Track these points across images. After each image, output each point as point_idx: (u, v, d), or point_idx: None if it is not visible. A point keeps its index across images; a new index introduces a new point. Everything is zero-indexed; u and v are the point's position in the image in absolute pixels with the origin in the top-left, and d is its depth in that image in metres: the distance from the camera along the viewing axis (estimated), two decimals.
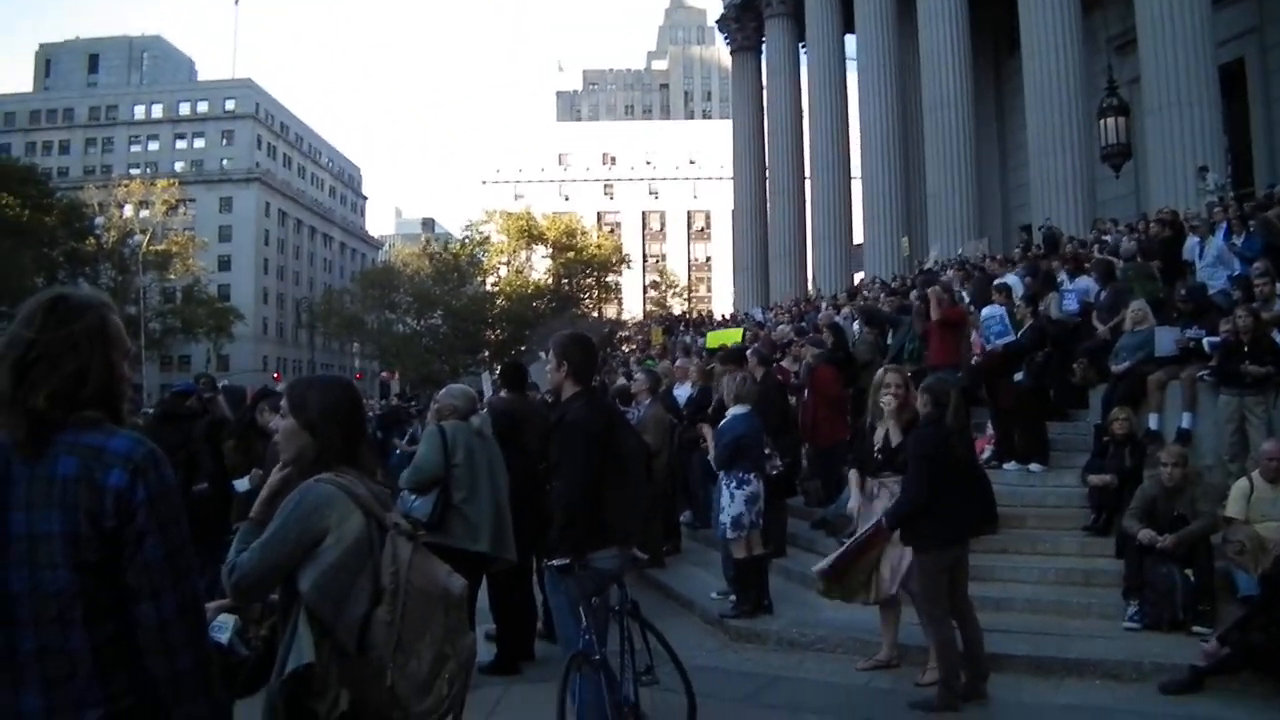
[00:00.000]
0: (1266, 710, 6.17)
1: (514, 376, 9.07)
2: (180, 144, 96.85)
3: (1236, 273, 11.91)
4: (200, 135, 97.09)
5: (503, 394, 9.14)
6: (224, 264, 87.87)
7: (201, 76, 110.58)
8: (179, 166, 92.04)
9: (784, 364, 13.46)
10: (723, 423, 8.83)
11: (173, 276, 67.64)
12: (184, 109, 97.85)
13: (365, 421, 3.31)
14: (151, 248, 65.13)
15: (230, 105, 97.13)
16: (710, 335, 19.65)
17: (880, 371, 7.62)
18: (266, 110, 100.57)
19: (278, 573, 2.84)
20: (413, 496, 6.73)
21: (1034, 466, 10.75)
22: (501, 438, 7.43)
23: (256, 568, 2.84)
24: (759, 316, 26.60)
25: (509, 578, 7.44)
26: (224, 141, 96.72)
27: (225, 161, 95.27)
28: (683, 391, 12.77)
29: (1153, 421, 10.35)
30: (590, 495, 5.08)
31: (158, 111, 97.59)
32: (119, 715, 2.18)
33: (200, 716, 2.25)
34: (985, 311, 11.74)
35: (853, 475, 7.52)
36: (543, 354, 33.57)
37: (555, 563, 5.13)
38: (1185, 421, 10.16)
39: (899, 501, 6.57)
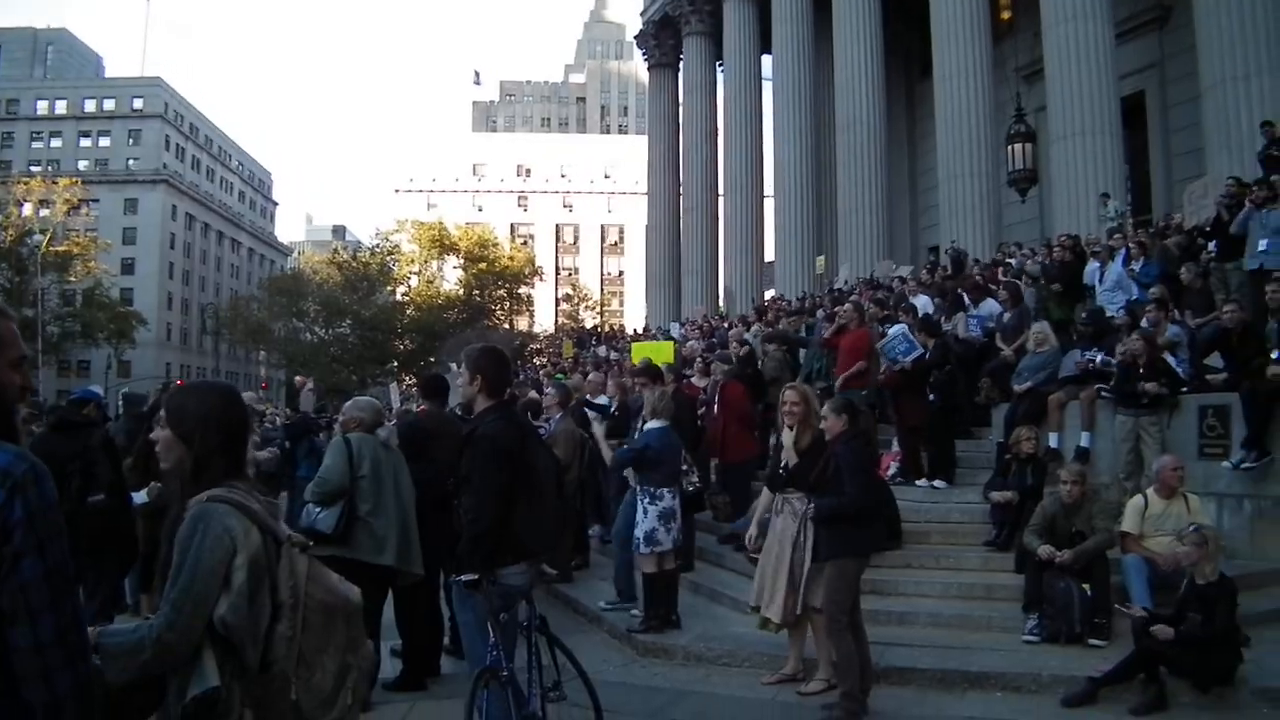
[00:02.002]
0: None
1: (433, 388, 8.99)
2: (84, 142, 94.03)
3: (1135, 297, 12.29)
4: (106, 134, 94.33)
5: (422, 406, 9.04)
6: (127, 267, 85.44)
7: (109, 73, 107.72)
8: (82, 165, 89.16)
9: (693, 380, 13.50)
10: (638, 435, 8.86)
11: (73, 279, 65.40)
12: (89, 106, 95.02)
13: (247, 429, 3.09)
14: (51, 248, 63.00)
15: (138, 104, 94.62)
16: (636, 347, 19.55)
17: (784, 389, 7.71)
18: (176, 110, 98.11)
19: (203, 613, 2.61)
20: (317, 509, 6.60)
21: (939, 483, 10.96)
22: (411, 451, 7.34)
23: (180, 620, 2.59)
24: (673, 331, 26.70)
25: (415, 592, 7.33)
26: (130, 141, 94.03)
27: (131, 162, 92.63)
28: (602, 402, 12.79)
29: (1053, 440, 10.63)
30: (500, 510, 5.02)
31: (61, 107, 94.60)
32: None
33: None
34: (890, 331, 11.94)
35: (764, 492, 7.56)
36: (453, 365, 33.29)
37: (463, 578, 5.06)
38: (1084, 440, 10.47)
39: (836, 500, 6.47)
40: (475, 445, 5.13)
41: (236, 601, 2.62)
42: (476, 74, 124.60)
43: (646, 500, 8.42)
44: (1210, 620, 6.52)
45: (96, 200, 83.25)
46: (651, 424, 8.68)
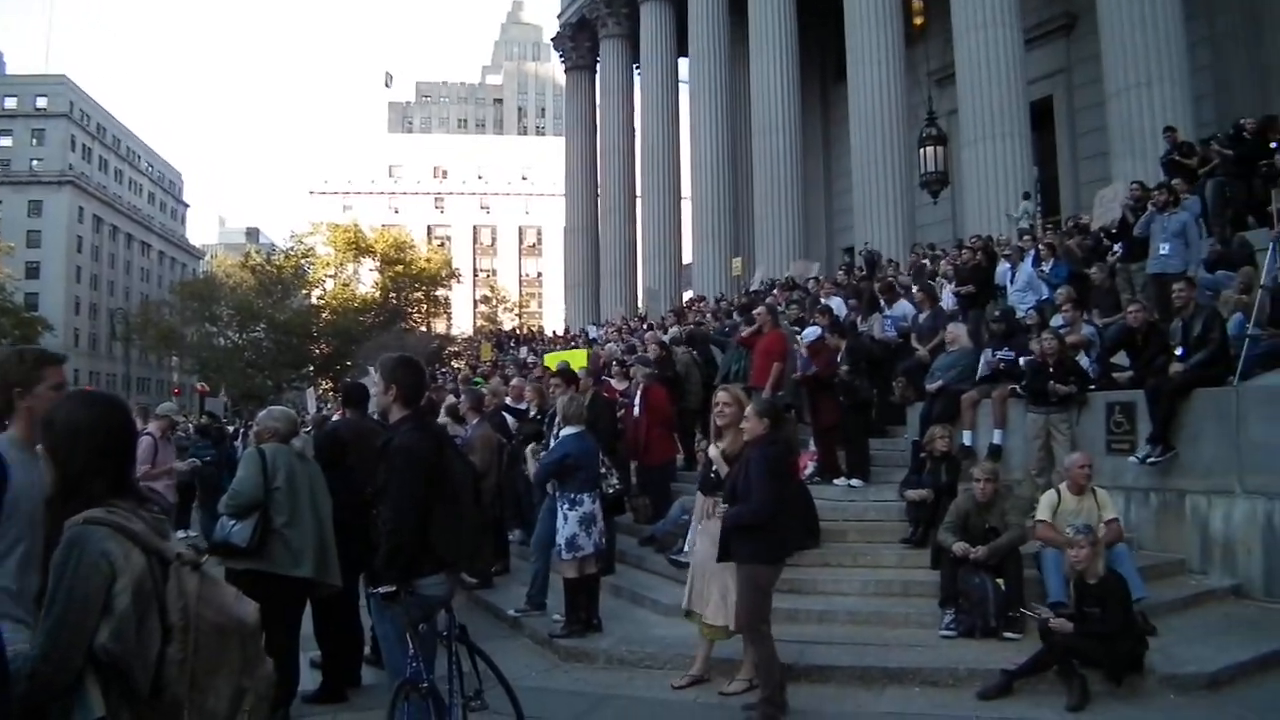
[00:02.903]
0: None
1: (354, 396, 8.91)
2: None
3: (1045, 297, 12.58)
4: (7, 133, 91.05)
5: (341, 414, 8.94)
6: (32, 271, 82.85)
7: (10, 70, 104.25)
8: None
9: (613, 382, 13.51)
10: (555, 443, 8.82)
11: None
12: None
13: (132, 443, 2.95)
14: None
15: (42, 103, 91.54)
16: (548, 357, 19.48)
17: (716, 390, 7.75)
18: (82, 110, 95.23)
19: (81, 643, 2.50)
20: (231, 521, 6.46)
21: (855, 482, 11.10)
22: (327, 460, 7.23)
23: (55, 651, 2.48)
24: (592, 333, 26.69)
25: (334, 603, 7.22)
26: (34, 141, 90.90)
27: (35, 162, 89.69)
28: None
29: (966, 438, 10.83)
30: (417, 520, 4.97)
31: None
32: None
33: None
34: (805, 332, 12.07)
35: (699, 497, 7.56)
36: (370, 369, 32.89)
37: (380, 590, 5.00)
38: (996, 438, 10.69)
39: (742, 509, 6.44)
40: (391, 456, 5.08)
41: (120, 627, 2.51)
42: (388, 75, 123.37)
43: (566, 506, 8.39)
44: (1106, 615, 6.72)
45: None
46: (566, 430, 8.66)
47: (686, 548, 7.69)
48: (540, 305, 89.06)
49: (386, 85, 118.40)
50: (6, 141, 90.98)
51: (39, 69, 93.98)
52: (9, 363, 3.50)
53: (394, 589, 4.99)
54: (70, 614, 2.49)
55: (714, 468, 7.21)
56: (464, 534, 5.33)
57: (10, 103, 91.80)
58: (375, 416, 8.54)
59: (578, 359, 16.50)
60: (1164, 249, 11.80)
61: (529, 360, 23.89)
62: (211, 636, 2.65)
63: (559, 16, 39.26)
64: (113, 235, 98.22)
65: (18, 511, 3.14)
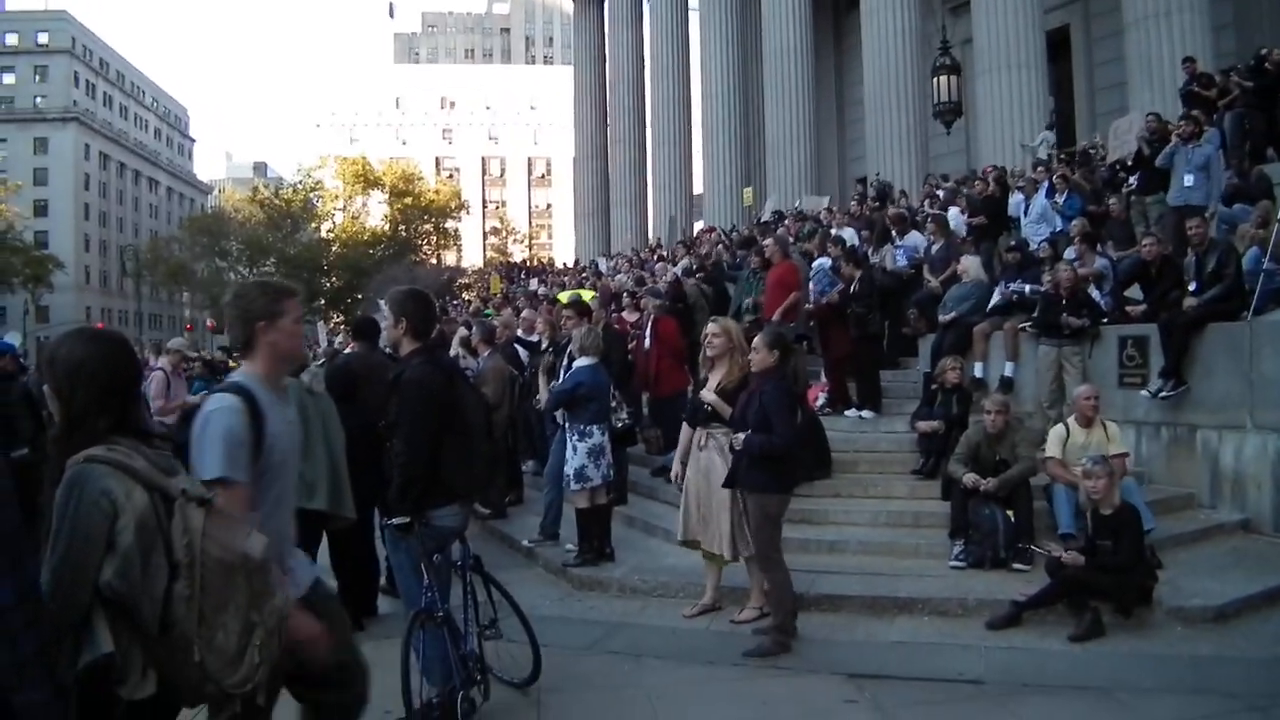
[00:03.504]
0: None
1: (365, 330, 8.93)
2: None
3: (1058, 229, 12.50)
4: (10, 70, 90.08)
5: (353, 347, 8.97)
6: (40, 209, 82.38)
7: (10, 6, 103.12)
8: None
9: (624, 314, 13.49)
10: (568, 373, 8.85)
11: None
12: None
13: (135, 380, 2.92)
14: None
15: (43, 39, 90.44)
16: (560, 295, 19.39)
17: (708, 322, 7.75)
18: (84, 45, 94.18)
19: (85, 581, 2.53)
20: None
21: (866, 413, 11.11)
22: (340, 394, 7.26)
23: (60, 590, 2.51)
24: (602, 266, 26.62)
25: (349, 534, 7.29)
26: (37, 78, 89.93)
27: (39, 99, 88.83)
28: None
29: (978, 370, 10.83)
30: (429, 453, 5.01)
31: None
32: None
33: (42, 704, 2.11)
34: (815, 264, 12.02)
35: (684, 428, 7.58)
36: (380, 302, 32.93)
37: (394, 522, 5.05)
38: (1008, 370, 10.69)
39: (765, 439, 6.44)
40: (402, 390, 5.11)
41: (123, 565, 2.53)
42: (391, 5, 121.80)
43: (575, 438, 8.44)
44: (1119, 548, 6.76)
45: (3, 140, 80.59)
46: (580, 361, 8.66)
47: (673, 479, 7.71)
48: (550, 236, 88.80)
49: (390, 15, 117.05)
50: (9, 79, 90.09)
51: (39, 4, 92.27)
52: (251, 295, 3.50)
53: (408, 520, 5.05)
54: (73, 552, 2.52)
55: (706, 403, 7.20)
56: (476, 465, 5.37)
57: (11, 39, 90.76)
58: (386, 350, 8.57)
59: (589, 297, 16.50)
60: (1187, 181, 11.63)
61: (539, 292, 23.87)
62: (217, 572, 2.67)
63: None
64: (120, 172, 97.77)
65: (273, 454, 3.27)
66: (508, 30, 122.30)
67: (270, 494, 3.32)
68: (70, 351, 2.78)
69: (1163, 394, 9.26)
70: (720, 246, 18.71)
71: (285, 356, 3.50)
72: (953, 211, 14.57)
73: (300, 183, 63.71)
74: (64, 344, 2.84)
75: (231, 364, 17.18)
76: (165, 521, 2.62)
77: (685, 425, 7.56)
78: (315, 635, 3.23)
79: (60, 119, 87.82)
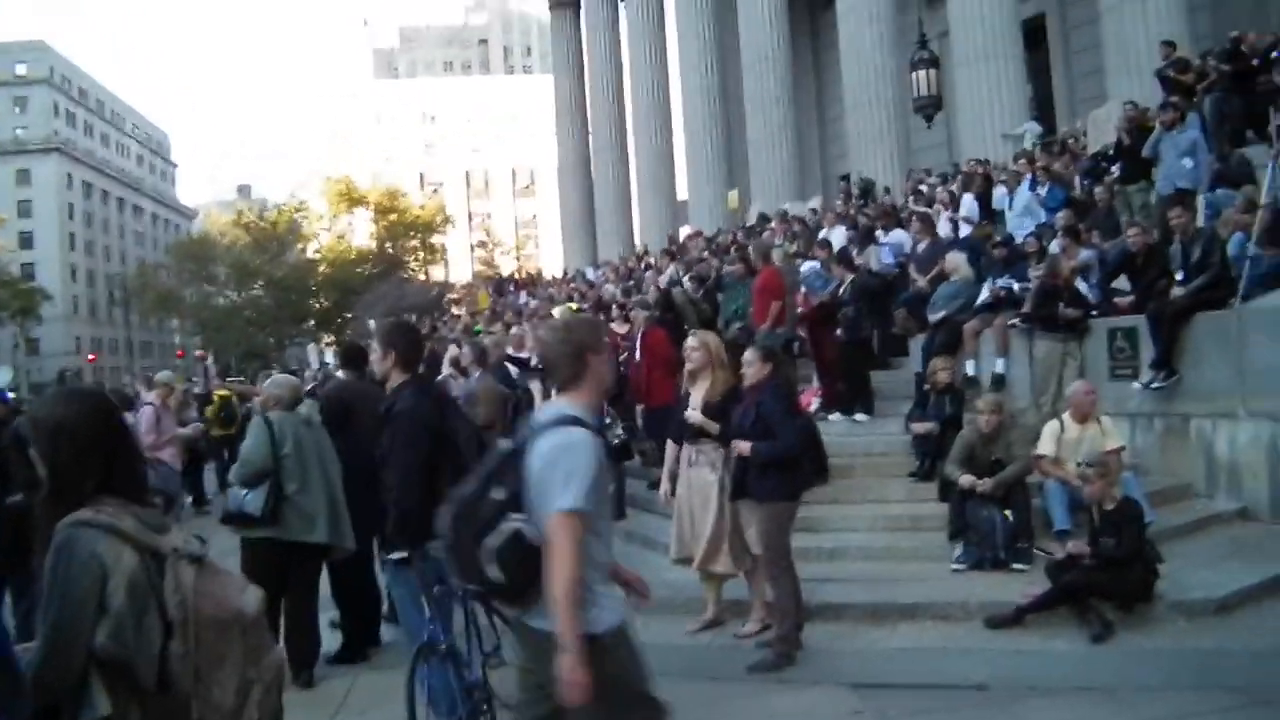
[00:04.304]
0: (1080, 639, 6.58)
1: (353, 357, 8.88)
2: None
3: (1043, 222, 12.51)
4: None
5: (340, 374, 8.94)
6: (25, 241, 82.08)
7: None
8: None
9: (614, 326, 13.48)
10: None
11: None
12: None
13: (119, 438, 2.82)
14: None
15: (21, 70, 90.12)
16: (556, 309, 19.34)
17: (688, 337, 7.74)
18: (63, 74, 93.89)
19: (79, 645, 2.50)
20: (243, 491, 6.54)
21: (860, 416, 11.11)
22: (333, 424, 7.25)
23: (53, 656, 2.49)
24: (590, 275, 26.63)
25: (350, 564, 7.29)
26: (16, 109, 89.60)
27: (19, 131, 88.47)
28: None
29: (969, 367, 10.85)
30: (423, 485, 5.00)
31: None
32: None
33: None
34: (804, 267, 12.02)
35: (669, 445, 7.56)
36: (370, 322, 32.76)
37: (393, 556, 5.05)
38: (999, 367, 10.71)
39: (772, 446, 6.47)
40: (393, 422, 5.12)
41: (117, 627, 2.51)
42: (365, 20, 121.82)
43: None
44: (1121, 543, 6.76)
45: None
46: None
47: (662, 496, 7.69)
48: (537, 246, 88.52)
49: (364, 24, 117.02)
50: None
51: (16, 35, 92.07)
52: (580, 328, 3.71)
53: (406, 555, 5.04)
54: (65, 617, 2.50)
55: (692, 424, 7.17)
56: None
57: None
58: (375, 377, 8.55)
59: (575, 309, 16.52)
60: (1175, 166, 11.66)
61: (530, 305, 23.88)
62: (211, 629, 2.65)
63: None
64: (104, 200, 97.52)
65: (603, 480, 3.39)
66: (485, 41, 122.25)
67: (604, 521, 3.46)
68: (51, 413, 2.75)
69: (1154, 385, 9.26)
70: (707, 253, 18.71)
71: (605, 386, 3.62)
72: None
73: (285, 205, 63.58)
74: (45, 406, 2.83)
75: (223, 394, 17.06)
76: (157, 580, 2.60)
77: (670, 443, 7.55)
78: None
79: (42, 150, 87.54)
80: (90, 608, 2.50)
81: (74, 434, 2.68)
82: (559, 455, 3.22)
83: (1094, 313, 10.12)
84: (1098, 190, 12.95)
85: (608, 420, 8.90)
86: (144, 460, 3.01)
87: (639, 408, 11.54)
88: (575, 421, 3.31)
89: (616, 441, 9.07)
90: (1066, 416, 8.46)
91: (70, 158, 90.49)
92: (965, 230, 13.42)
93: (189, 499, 14.61)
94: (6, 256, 67.56)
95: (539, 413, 3.65)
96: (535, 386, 10.88)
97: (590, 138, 36.80)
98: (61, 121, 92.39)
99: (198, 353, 29.87)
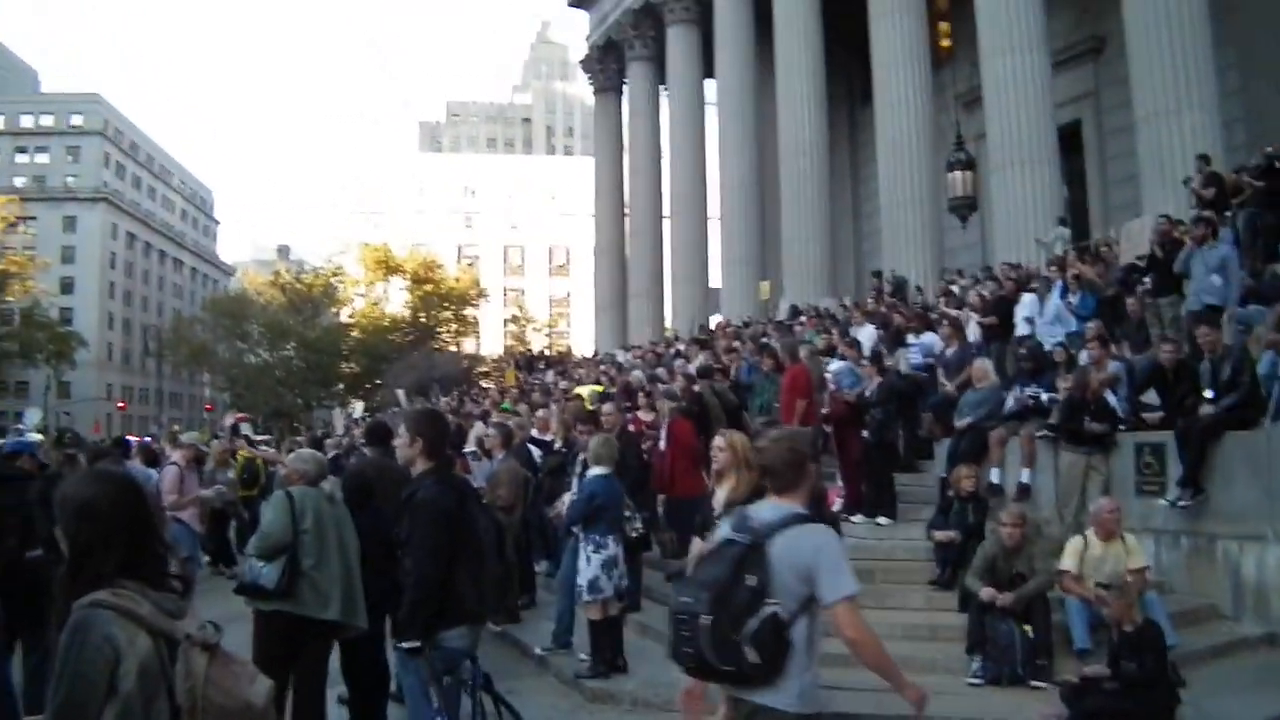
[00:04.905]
0: None
1: (378, 434, 8.96)
2: (21, 158, 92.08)
3: (1073, 330, 12.48)
4: (43, 150, 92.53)
5: (366, 451, 9.01)
6: (66, 286, 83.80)
7: (46, 88, 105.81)
8: (19, 182, 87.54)
9: (640, 414, 13.51)
10: (582, 483, 8.83)
11: (10, 298, 64.41)
12: (26, 122, 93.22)
13: (144, 521, 2.85)
14: None
15: (76, 120, 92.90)
16: (580, 388, 19.34)
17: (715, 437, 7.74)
18: (115, 127, 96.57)
19: None
20: (260, 563, 6.53)
21: (882, 520, 11.03)
22: (354, 501, 7.28)
23: None
24: (620, 358, 26.71)
25: (361, 642, 7.26)
26: (69, 158, 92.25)
27: (70, 179, 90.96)
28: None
29: (994, 475, 10.76)
30: (439, 576, 5.01)
31: None
32: None
33: None
34: (833, 366, 12.03)
35: (695, 541, 7.52)
36: (399, 392, 32.86)
37: (404, 645, 5.04)
38: (1024, 477, 10.62)
39: None
40: (414, 510, 5.13)
41: (124, 710, 2.54)
42: (406, 102, 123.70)
43: (590, 548, 8.38)
44: (1142, 666, 6.65)
45: (34, 218, 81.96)
46: (594, 470, 8.65)
47: None
48: (569, 325, 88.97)
49: (406, 104, 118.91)
50: (43, 159, 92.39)
51: (72, 87, 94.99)
52: (803, 440, 4.35)
53: (418, 643, 5.03)
54: (75, 697, 2.52)
55: (718, 513, 7.14)
56: (487, 587, 5.38)
57: (46, 120, 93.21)
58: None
59: (590, 393, 16.61)
60: (1205, 283, 11.62)
61: (559, 384, 23.96)
62: (219, 718, 2.66)
63: (587, 38, 39.41)
64: (145, 251, 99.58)
65: None
66: (529, 120, 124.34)
67: None
68: (79, 491, 2.79)
69: (1181, 503, 9.17)
70: (737, 342, 18.72)
71: (813, 490, 4.09)
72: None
73: (320, 269, 64.45)
74: (74, 484, 2.87)
75: (246, 454, 17.15)
76: (169, 666, 2.63)
77: (695, 539, 7.51)
78: None
79: (90, 199, 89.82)
80: (100, 689, 2.53)
81: (98, 515, 2.72)
82: (820, 548, 3.64)
83: (1121, 426, 10.06)
84: (1129, 301, 12.91)
85: (627, 514, 8.86)
86: (166, 546, 3.04)
87: (660, 496, 11.52)
88: (808, 519, 3.75)
89: (635, 535, 9.01)
90: (1090, 532, 8.37)
91: (116, 208, 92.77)
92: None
93: (206, 559, 14.67)
94: (46, 300, 68.72)
95: (759, 511, 3.85)
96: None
97: (627, 220, 37.13)
98: (111, 172, 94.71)
99: (237, 416, 29.91)
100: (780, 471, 3.89)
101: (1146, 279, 13.21)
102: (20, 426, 28.37)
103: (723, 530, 3.95)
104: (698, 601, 3.58)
